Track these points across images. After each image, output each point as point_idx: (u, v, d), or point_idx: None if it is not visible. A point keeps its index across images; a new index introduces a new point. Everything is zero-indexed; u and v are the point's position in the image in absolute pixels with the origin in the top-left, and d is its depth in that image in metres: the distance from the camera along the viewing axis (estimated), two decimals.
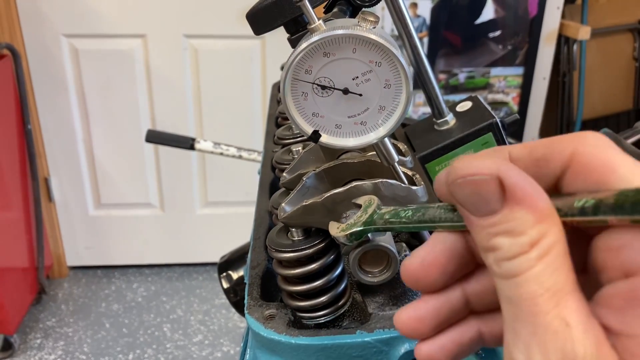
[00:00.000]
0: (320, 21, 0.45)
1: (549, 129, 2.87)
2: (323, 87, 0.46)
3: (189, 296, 2.63)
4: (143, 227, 2.73)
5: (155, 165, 2.62)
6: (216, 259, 3.05)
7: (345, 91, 0.46)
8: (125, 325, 2.46)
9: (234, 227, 2.69)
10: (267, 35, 2.12)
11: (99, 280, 2.74)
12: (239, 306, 1.16)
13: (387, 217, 0.37)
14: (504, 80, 2.64)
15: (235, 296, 1.13)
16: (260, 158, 1.59)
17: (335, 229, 0.43)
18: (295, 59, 0.45)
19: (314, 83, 0.46)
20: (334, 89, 0.46)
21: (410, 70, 0.45)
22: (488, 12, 2.51)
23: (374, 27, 0.44)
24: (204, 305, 2.58)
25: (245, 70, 2.47)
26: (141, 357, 2.29)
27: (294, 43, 0.49)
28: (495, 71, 2.62)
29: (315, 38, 0.44)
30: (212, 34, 2.41)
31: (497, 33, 2.55)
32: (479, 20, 2.52)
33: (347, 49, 0.44)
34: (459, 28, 2.52)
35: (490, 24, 2.53)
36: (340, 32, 0.44)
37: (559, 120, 2.81)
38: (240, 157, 1.61)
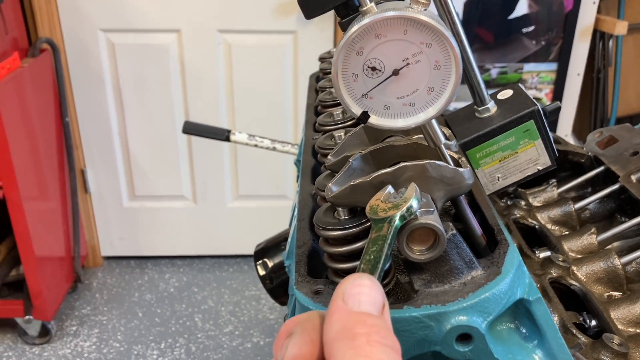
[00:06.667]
0: (372, 3, 0.46)
1: (582, 126, 2.84)
2: (373, 69, 0.48)
3: (220, 287, 2.67)
4: (175, 219, 2.78)
5: (188, 159, 2.66)
6: (247, 251, 3.08)
7: (395, 72, 0.47)
8: (157, 314, 2.51)
9: (264, 220, 2.72)
10: (299, 29, 2.14)
11: (132, 270, 2.80)
12: (274, 293, 1.17)
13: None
14: (537, 76, 2.61)
15: (271, 283, 1.15)
16: (293, 150, 1.61)
17: (370, 205, 0.48)
18: (348, 40, 0.46)
19: (364, 64, 0.47)
20: (384, 70, 0.47)
21: (459, 52, 0.46)
22: (522, 7, 2.48)
23: (425, 9, 0.45)
24: (235, 296, 2.61)
25: (278, 64, 2.49)
26: (173, 346, 2.34)
27: (344, 26, 0.50)
28: (529, 67, 2.59)
29: (367, 20, 0.45)
30: (245, 29, 2.43)
31: (531, 28, 2.52)
32: (513, 16, 2.50)
33: (398, 31, 0.46)
34: (491, 23, 2.51)
35: (524, 19, 2.50)
36: (392, 13, 0.45)
37: (592, 117, 2.77)
38: (274, 149, 1.63)
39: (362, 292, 0.36)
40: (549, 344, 0.50)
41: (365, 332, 0.33)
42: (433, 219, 0.47)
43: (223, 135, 1.64)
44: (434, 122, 0.50)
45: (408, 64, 0.47)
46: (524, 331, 0.50)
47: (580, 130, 2.83)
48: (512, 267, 0.49)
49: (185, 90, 2.53)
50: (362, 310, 0.35)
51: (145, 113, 2.57)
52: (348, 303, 0.35)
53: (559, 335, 0.50)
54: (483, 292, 0.47)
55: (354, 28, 0.46)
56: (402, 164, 0.50)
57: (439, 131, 0.51)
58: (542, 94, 2.65)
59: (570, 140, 2.71)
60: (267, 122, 2.59)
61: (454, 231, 0.49)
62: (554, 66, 2.59)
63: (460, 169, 0.51)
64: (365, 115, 0.49)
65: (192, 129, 1.66)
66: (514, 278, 0.48)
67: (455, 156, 0.54)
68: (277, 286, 1.16)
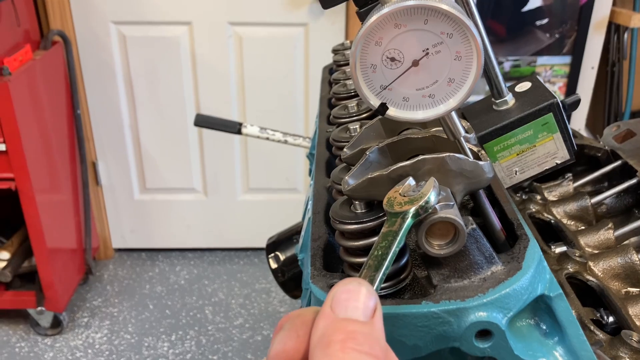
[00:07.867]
0: None
1: (596, 120, 2.81)
2: (392, 59, 0.47)
3: (230, 280, 2.67)
4: (186, 212, 2.78)
5: (199, 152, 2.66)
6: (257, 244, 3.09)
7: (415, 63, 0.46)
8: (168, 307, 2.51)
9: (274, 213, 2.72)
10: (311, 22, 2.13)
11: (143, 262, 2.81)
12: (286, 286, 1.17)
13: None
14: (550, 69, 2.58)
15: (283, 276, 1.15)
16: (305, 143, 1.60)
17: (388, 197, 0.47)
18: (367, 30, 0.45)
19: (383, 55, 0.46)
20: (403, 61, 0.46)
21: (481, 43, 0.45)
22: (535, 0, 2.46)
23: None
24: (245, 289, 2.62)
25: (289, 57, 2.48)
26: (183, 338, 2.34)
27: (362, 16, 0.49)
28: (542, 60, 2.56)
29: (387, 9, 0.44)
30: (256, 21, 2.42)
31: (545, 21, 2.49)
32: (526, 8, 2.47)
33: (418, 20, 0.45)
34: (504, 16, 2.48)
35: (538, 12, 2.48)
36: (412, 2, 0.44)
37: (606, 111, 2.74)
38: (285, 142, 1.62)
39: (350, 298, 0.35)
40: (570, 340, 0.49)
41: (341, 338, 0.33)
42: (453, 213, 0.46)
43: (234, 128, 1.63)
44: (453, 114, 0.49)
45: (428, 54, 0.46)
46: (545, 327, 0.50)
47: (594, 124, 2.80)
48: (533, 263, 0.48)
49: (197, 82, 2.53)
50: (348, 317, 0.34)
51: (157, 106, 2.57)
52: (335, 310, 0.35)
53: (580, 331, 0.49)
54: (503, 288, 0.46)
55: (373, 18, 0.45)
56: (420, 157, 0.49)
57: (458, 123, 0.50)
58: (556, 88, 2.62)
59: (584, 134, 2.69)
60: (278, 114, 2.58)
61: (474, 225, 0.48)
62: (567, 59, 2.56)
63: (480, 162, 0.50)
64: (383, 107, 0.48)
65: (203, 121, 1.65)
66: (534, 273, 0.48)
67: (475, 149, 0.53)
68: (288, 279, 1.16)
